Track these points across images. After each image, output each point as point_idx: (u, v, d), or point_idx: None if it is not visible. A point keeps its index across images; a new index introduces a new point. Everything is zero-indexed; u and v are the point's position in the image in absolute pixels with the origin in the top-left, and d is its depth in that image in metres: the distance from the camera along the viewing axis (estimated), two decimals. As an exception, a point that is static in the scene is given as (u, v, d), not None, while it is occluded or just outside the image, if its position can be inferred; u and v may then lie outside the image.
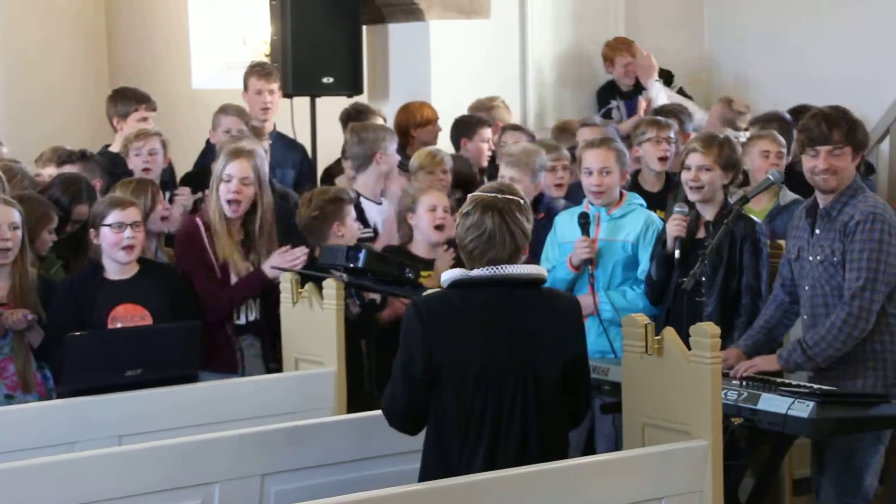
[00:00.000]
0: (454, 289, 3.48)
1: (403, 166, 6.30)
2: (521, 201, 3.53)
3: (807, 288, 4.22)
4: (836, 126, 4.11)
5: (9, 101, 8.92)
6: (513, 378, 3.42)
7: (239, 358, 4.85)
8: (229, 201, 4.81)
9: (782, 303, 4.36)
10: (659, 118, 5.91)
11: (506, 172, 5.28)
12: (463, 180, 5.90)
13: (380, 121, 6.42)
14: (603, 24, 8.00)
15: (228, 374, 4.77)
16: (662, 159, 5.64)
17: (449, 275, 3.51)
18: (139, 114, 6.06)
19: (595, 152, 4.99)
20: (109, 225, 4.54)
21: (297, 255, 4.78)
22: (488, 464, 3.42)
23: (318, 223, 5.12)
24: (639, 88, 7.64)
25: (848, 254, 4.07)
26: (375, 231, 5.42)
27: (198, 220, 4.86)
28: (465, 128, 6.53)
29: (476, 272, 3.46)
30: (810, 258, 4.21)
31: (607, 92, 7.82)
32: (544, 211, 5.33)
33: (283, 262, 4.77)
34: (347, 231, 5.10)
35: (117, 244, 4.54)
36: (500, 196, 3.48)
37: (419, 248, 5.11)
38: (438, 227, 5.08)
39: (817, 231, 4.19)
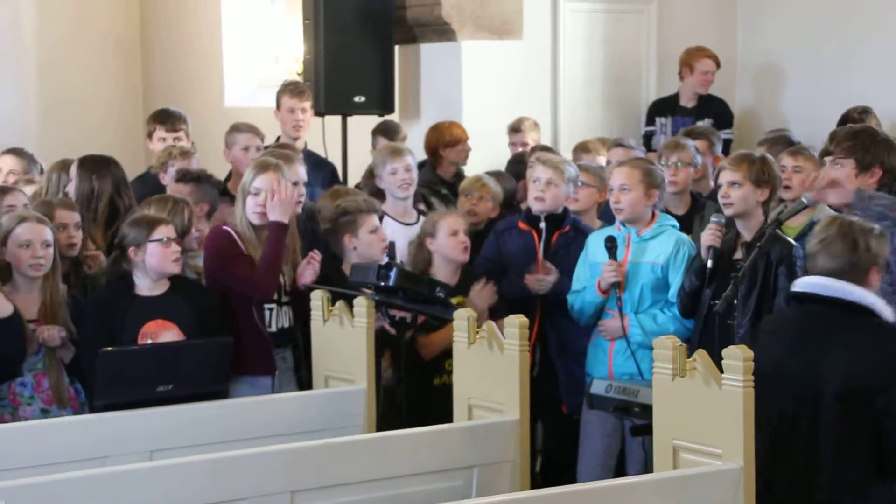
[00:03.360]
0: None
1: (432, 186, 6.31)
2: (879, 230, 3.74)
3: None
4: (844, 139, 4.16)
5: (45, 119, 9.02)
6: (794, 388, 3.63)
7: (275, 361, 4.83)
8: (256, 213, 4.81)
9: None
10: (679, 139, 5.88)
11: (542, 175, 5.23)
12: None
13: (399, 138, 6.45)
14: (635, 44, 7.99)
15: (264, 376, 4.75)
16: (672, 182, 5.58)
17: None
18: (157, 133, 6.15)
19: (618, 170, 5.03)
20: (159, 240, 4.57)
21: (313, 261, 4.83)
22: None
23: (332, 236, 5.18)
24: (701, 106, 7.59)
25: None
26: (391, 252, 5.38)
27: (226, 228, 4.86)
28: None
29: (800, 283, 3.75)
30: None
31: (660, 107, 7.75)
32: (570, 224, 5.33)
33: (308, 272, 4.82)
34: (360, 244, 5.09)
35: (168, 258, 4.57)
36: (859, 220, 3.74)
37: (439, 273, 5.11)
38: (463, 250, 5.12)
39: None
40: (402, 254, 5.31)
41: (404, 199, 5.62)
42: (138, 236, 4.59)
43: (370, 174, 6.00)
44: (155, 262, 4.58)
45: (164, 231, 4.60)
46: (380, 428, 4.55)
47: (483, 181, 5.86)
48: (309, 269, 4.88)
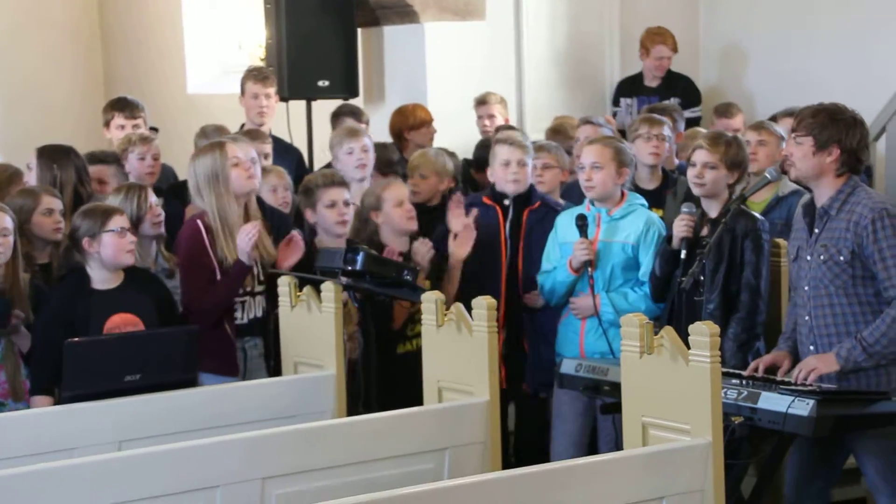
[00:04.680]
0: None
1: (397, 170, 6.29)
2: None
3: (806, 288, 4.22)
4: (807, 116, 4.16)
5: (5, 109, 8.92)
6: None
7: (241, 359, 4.82)
8: (250, 179, 4.82)
9: (796, 303, 4.34)
10: (654, 115, 5.91)
11: (513, 156, 5.24)
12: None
13: (363, 121, 6.47)
14: (598, 23, 8.00)
15: (229, 376, 4.74)
16: (654, 155, 5.63)
17: None
18: (116, 121, 6.15)
19: (588, 148, 5.03)
20: (113, 230, 4.53)
21: (248, 231, 4.71)
22: None
23: (298, 213, 5.19)
24: (667, 85, 7.58)
25: (873, 254, 4.06)
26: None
27: (198, 222, 4.83)
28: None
29: None
30: (808, 258, 4.20)
31: (626, 87, 7.76)
32: (539, 200, 5.33)
33: (243, 241, 4.70)
34: (319, 217, 5.08)
35: (123, 248, 4.53)
36: None
37: (389, 243, 5.12)
38: (410, 219, 5.12)
39: (816, 230, 4.19)
40: None
41: (361, 179, 5.61)
42: (93, 227, 4.54)
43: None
44: (110, 254, 4.53)
45: (119, 221, 4.55)
46: (348, 401, 4.55)
47: (427, 156, 5.85)
48: (294, 249, 4.82)
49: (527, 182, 5.27)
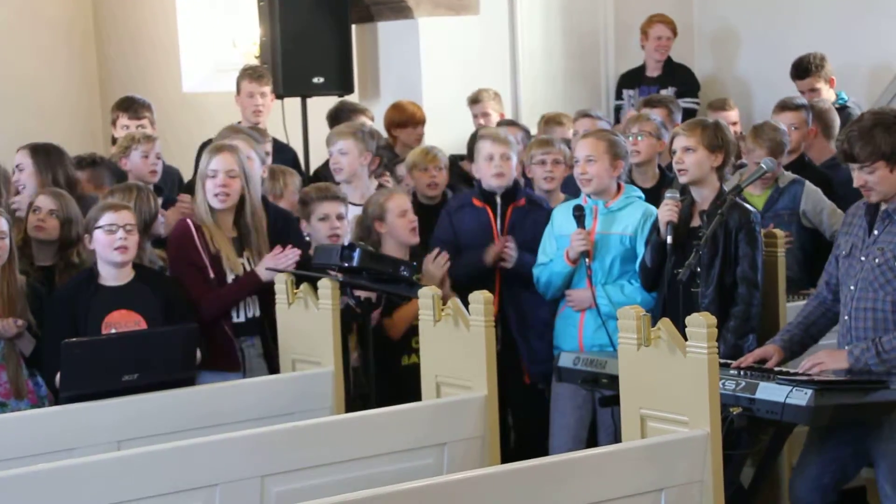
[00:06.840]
0: None
1: (390, 167, 6.27)
2: None
3: (852, 287, 4.11)
4: (861, 143, 3.97)
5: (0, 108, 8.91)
6: None
7: (240, 356, 4.81)
8: (216, 195, 4.78)
9: (824, 300, 4.27)
10: (640, 112, 5.89)
11: (496, 150, 5.22)
12: None
13: (364, 119, 6.45)
14: (592, 16, 7.99)
15: (231, 372, 4.74)
16: (635, 153, 5.58)
17: None
18: (121, 121, 6.14)
19: (583, 141, 5.03)
20: (102, 227, 4.54)
21: (288, 256, 4.74)
22: None
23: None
24: (666, 75, 7.58)
25: None
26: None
27: (188, 221, 4.85)
28: None
29: None
30: (862, 258, 4.09)
31: (628, 79, 7.75)
32: (524, 196, 5.33)
33: (277, 263, 4.74)
34: (312, 230, 5.10)
35: (110, 245, 4.52)
36: None
37: (391, 254, 5.07)
38: (413, 230, 5.09)
39: (875, 232, 4.08)
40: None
41: (342, 182, 5.61)
42: (88, 224, 4.59)
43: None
44: (99, 250, 4.55)
45: (110, 218, 4.54)
46: (350, 411, 4.53)
47: (433, 152, 5.85)
48: (281, 256, 4.78)
49: (511, 176, 5.25)
